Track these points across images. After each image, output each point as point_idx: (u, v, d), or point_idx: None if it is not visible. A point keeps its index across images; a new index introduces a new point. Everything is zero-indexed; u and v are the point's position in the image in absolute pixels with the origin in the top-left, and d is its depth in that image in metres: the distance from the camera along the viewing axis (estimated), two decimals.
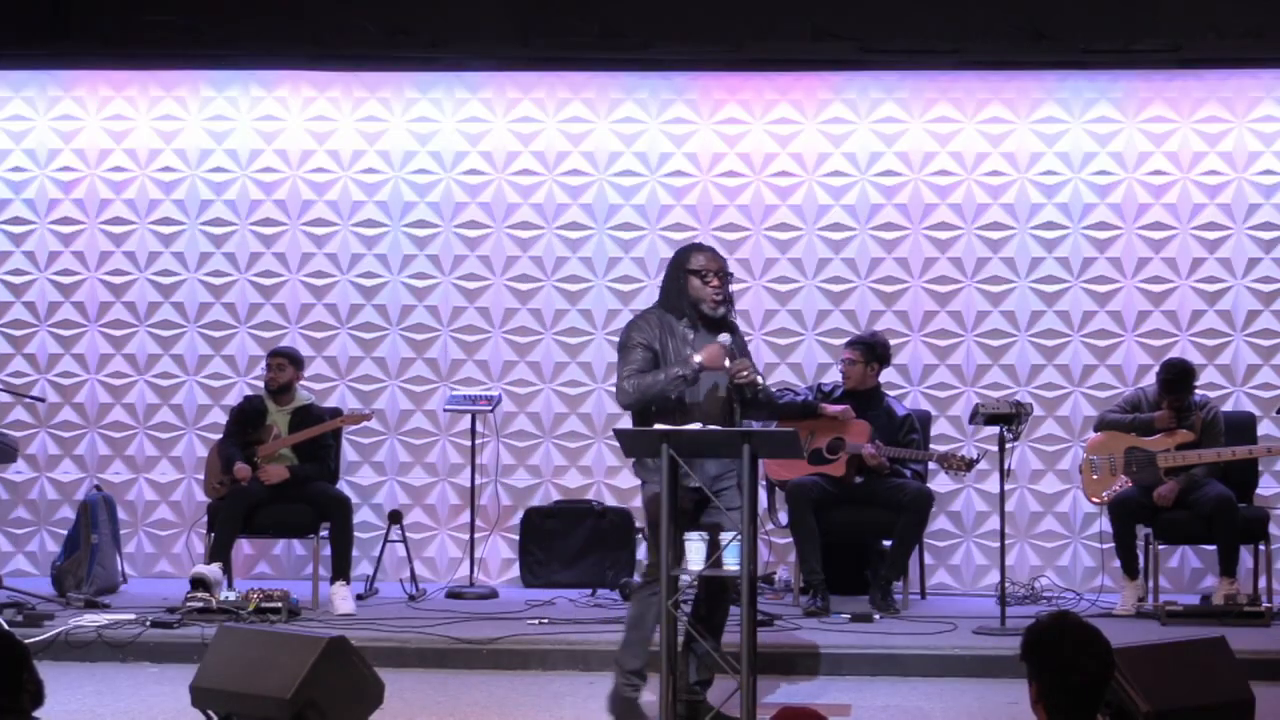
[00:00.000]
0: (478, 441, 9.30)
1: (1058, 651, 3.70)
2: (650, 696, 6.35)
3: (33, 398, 9.69)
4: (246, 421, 8.85)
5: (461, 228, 9.79)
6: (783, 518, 8.70)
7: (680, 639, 6.03)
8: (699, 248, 6.39)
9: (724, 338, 6.17)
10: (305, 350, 9.34)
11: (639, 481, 9.55)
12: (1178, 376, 8.47)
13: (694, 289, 6.23)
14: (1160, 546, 8.62)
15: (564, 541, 9.42)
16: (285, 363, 8.87)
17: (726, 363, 6.10)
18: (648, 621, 6.22)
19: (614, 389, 9.62)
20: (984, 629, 7.80)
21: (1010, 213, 9.57)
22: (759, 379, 6.13)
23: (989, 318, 9.55)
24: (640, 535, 9.39)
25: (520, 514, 9.57)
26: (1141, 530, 8.46)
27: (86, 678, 7.19)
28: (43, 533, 9.84)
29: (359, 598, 8.73)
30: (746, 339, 9.48)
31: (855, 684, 6.97)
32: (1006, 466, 7.96)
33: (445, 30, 9.52)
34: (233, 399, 9.50)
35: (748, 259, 9.64)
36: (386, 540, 9.19)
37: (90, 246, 9.89)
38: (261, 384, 9.08)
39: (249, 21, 9.57)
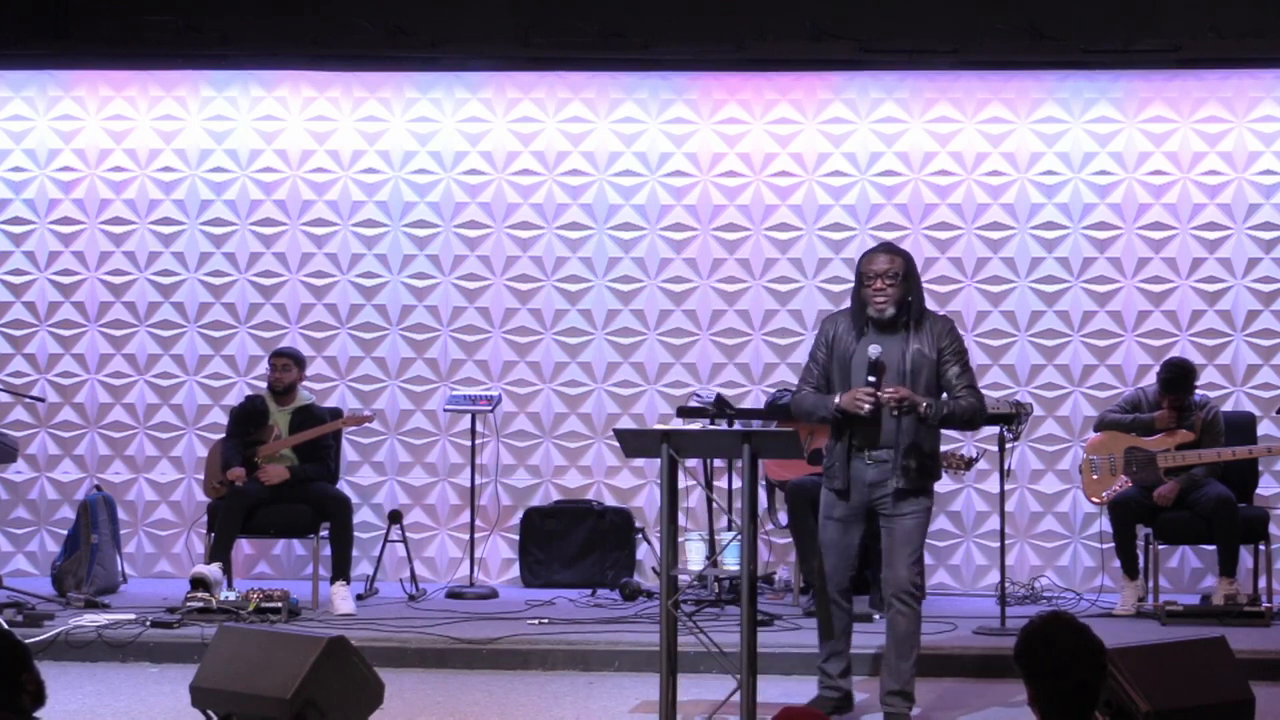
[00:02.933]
0: (478, 441, 9.30)
1: (1048, 656, 3.71)
2: (862, 695, 6.54)
3: (33, 398, 9.68)
4: (248, 421, 8.84)
5: (461, 228, 9.79)
6: (783, 518, 8.71)
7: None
8: (870, 251, 6.45)
9: (873, 350, 6.17)
10: (305, 350, 9.34)
11: (639, 481, 9.70)
12: (1178, 376, 8.47)
13: (863, 294, 6.30)
14: (1160, 546, 8.61)
15: (564, 541, 9.42)
16: (290, 363, 8.87)
17: (864, 408, 6.06)
18: (835, 625, 6.37)
19: (615, 388, 9.81)
20: (984, 629, 7.79)
21: (1010, 213, 9.56)
22: (916, 402, 6.08)
23: (989, 318, 9.55)
24: (640, 535, 9.40)
25: (520, 514, 9.57)
26: (1141, 530, 8.46)
27: (86, 678, 7.19)
28: (43, 533, 9.84)
29: (359, 598, 8.73)
30: (745, 340, 9.61)
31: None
32: (1006, 466, 7.96)
33: (445, 30, 9.54)
34: (233, 399, 9.50)
35: (748, 259, 9.64)
36: (386, 540, 9.18)
37: (90, 246, 9.89)
38: (262, 384, 9.08)
39: (249, 22, 9.59)
